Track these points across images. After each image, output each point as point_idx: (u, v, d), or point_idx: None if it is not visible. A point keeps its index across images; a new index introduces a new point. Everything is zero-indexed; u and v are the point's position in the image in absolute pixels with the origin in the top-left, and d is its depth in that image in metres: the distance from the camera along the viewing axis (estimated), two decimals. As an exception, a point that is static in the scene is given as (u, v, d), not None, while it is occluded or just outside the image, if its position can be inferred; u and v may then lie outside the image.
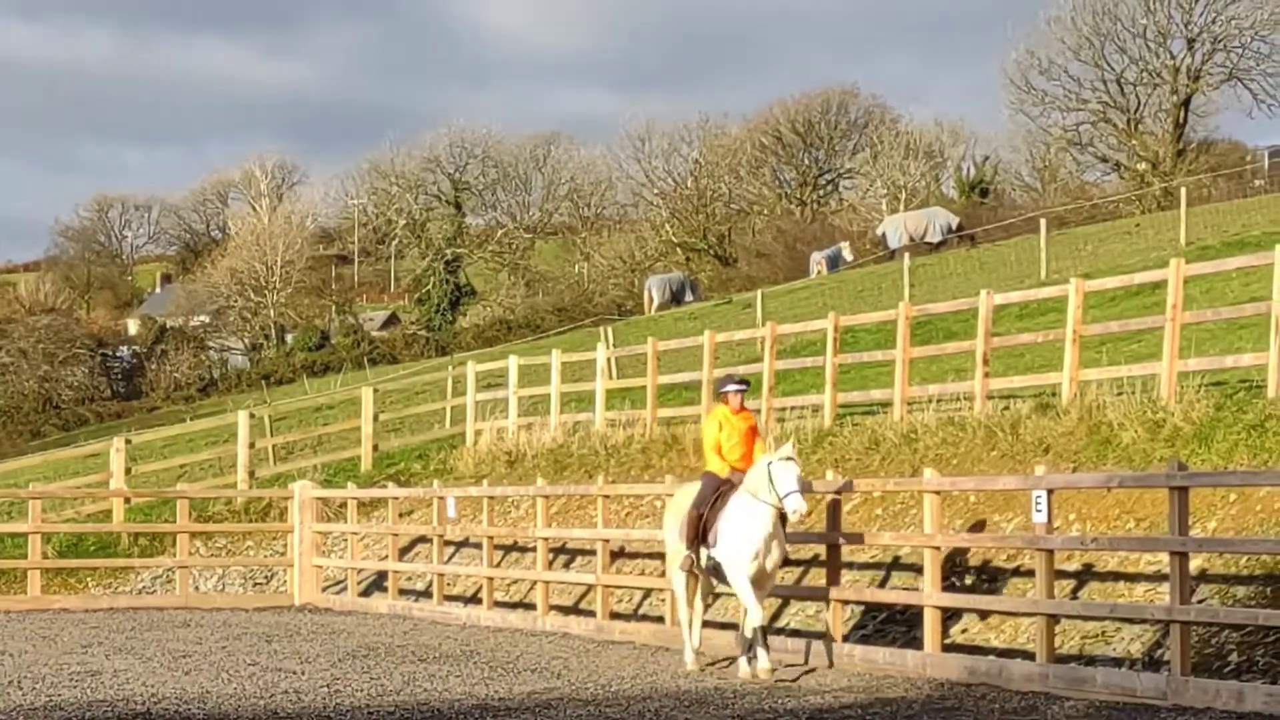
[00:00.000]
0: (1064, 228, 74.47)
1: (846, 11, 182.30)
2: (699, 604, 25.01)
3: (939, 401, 31.13)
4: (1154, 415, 25.43)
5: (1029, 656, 22.00)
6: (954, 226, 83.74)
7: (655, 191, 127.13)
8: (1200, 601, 21.23)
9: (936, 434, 29.02)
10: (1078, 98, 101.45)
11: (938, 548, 23.86)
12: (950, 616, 24.35)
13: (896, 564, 26.88)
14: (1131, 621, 21.89)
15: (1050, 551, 21.83)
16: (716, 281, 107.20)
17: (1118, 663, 21.58)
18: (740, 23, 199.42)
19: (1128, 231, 69.98)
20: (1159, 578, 21.75)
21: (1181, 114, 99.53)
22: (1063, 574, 23.33)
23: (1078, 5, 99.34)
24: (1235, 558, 21.71)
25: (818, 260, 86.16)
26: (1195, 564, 21.42)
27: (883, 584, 26.74)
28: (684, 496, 24.73)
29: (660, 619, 29.08)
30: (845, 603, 25.78)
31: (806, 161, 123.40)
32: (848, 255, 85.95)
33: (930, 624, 23.50)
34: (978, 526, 25.84)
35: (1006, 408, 28.87)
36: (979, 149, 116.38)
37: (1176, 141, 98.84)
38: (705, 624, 25.20)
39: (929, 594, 23.67)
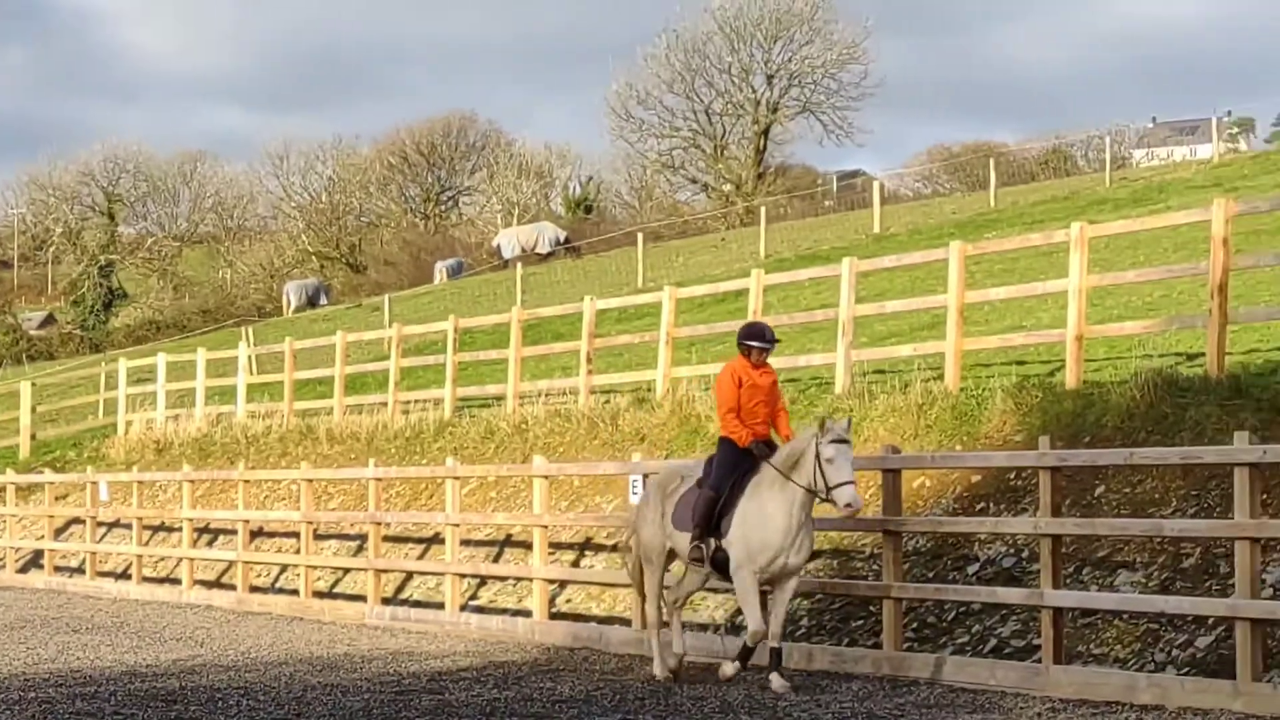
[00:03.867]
0: (659, 241, 75.21)
1: (464, 44, 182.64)
2: (679, 601, 18.99)
3: (548, 395, 31.32)
4: (736, 408, 25.76)
5: (626, 623, 22.18)
6: (561, 239, 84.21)
7: (293, 205, 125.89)
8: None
9: (545, 425, 29.13)
10: (671, 126, 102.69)
11: (545, 526, 23.97)
12: (557, 588, 24.47)
13: (509, 541, 26.94)
14: (717, 591, 22.18)
15: (645, 529, 22.02)
16: (348, 287, 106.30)
17: (704, 628, 21.83)
18: (372, 52, 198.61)
19: (715, 245, 70.94)
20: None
21: (762, 141, 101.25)
22: (656, 549, 23.54)
23: (671, 43, 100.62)
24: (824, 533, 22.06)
25: (441, 268, 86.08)
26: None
27: (497, 559, 26.78)
28: (660, 480, 18.83)
29: (295, 592, 28.95)
30: (463, 576, 25.85)
31: (430, 179, 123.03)
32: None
33: (539, 595, 23.60)
34: (582, 509, 25.98)
35: (608, 401, 29.09)
36: (584, 170, 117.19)
37: (757, 166, 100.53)
38: (483, 609, 24.93)
39: (537, 568, 23.77)
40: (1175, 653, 16.34)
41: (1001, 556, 19.40)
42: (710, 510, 17.36)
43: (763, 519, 17.04)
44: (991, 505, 20.20)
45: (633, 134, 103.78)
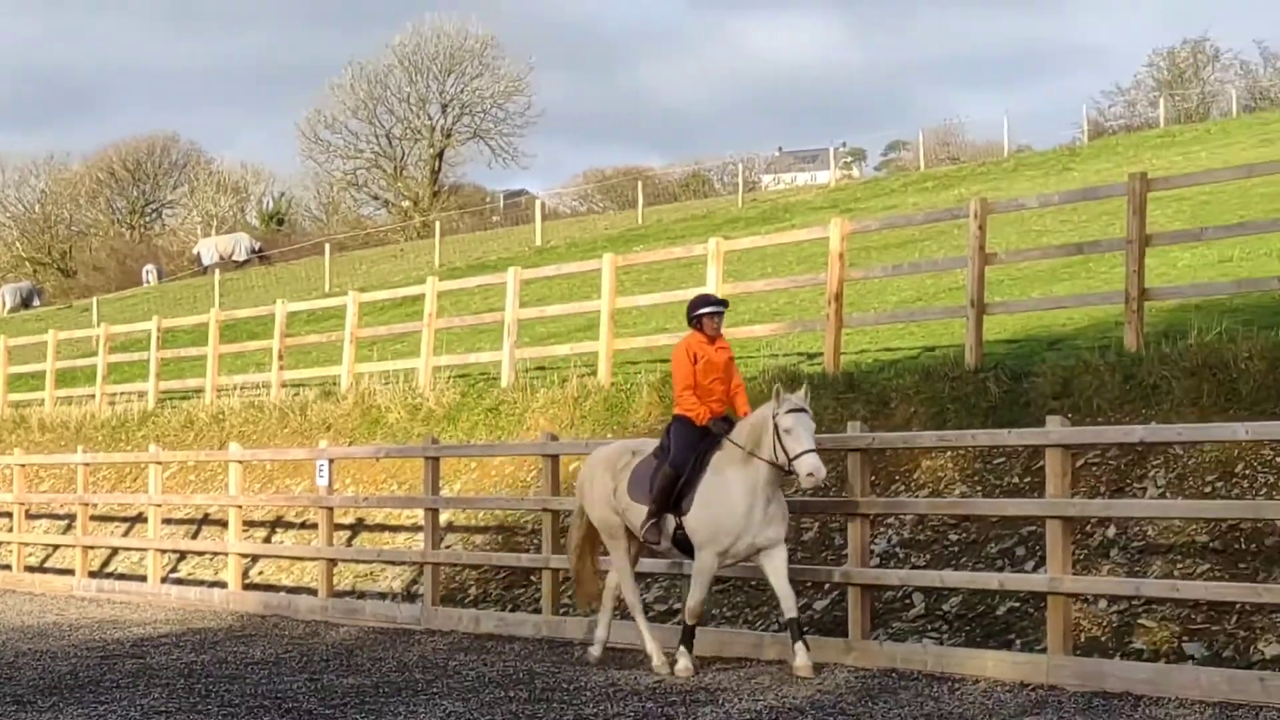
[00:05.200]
0: (345, 251, 74.41)
1: (174, 68, 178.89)
2: (619, 582, 16.21)
3: (243, 389, 30.88)
4: (414, 400, 25.66)
5: (313, 593, 21.93)
6: (256, 249, 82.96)
7: (7, 214, 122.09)
8: (448, 547, 21.56)
9: (241, 415, 28.69)
10: (355, 148, 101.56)
11: (240, 506, 23.64)
12: (250, 562, 24.13)
13: (207, 520, 26.48)
14: (394, 564, 22.06)
15: (330, 509, 21.84)
16: (60, 290, 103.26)
17: (383, 596, 21.70)
18: (87, 75, 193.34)
19: (394, 255, 70.49)
20: (416, 529, 21.94)
21: (437, 163, 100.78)
22: (341, 526, 23.35)
23: (355, 73, 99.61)
24: (475, 512, 22.08)
25: (149, 270, 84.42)
26: (444, 518, 21.71)
27: (195, 536, 26.30)
28: (607, 456, 16.17)
29: (8, 567, 28.10)
30: (164, 551, 25.37)
31: (135, 193, 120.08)
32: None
33: (234, 568, 23.26)
34: (276, 491, 25.66)
35: (297, 394, 28.77)
36: (277, 186, 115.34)
37: (433, 185, 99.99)
38: (183, 581, 24.21)
39: (232, 544, 23.44)
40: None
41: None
42: (670, 487, 15.01)
43: (726, 499, 14.76)
44: (638, 486, 20.33)
45: (321, 155, 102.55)
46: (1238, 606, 13.35)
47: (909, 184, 57.92)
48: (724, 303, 15.64)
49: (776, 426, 14.49)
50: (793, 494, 16.09)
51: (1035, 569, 15.01)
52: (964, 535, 16.34)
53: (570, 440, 20.73)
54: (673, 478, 14.99)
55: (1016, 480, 16.39)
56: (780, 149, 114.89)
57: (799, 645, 14.43)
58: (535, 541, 20.17)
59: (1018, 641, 14.60)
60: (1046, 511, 13.84)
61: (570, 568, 16.65)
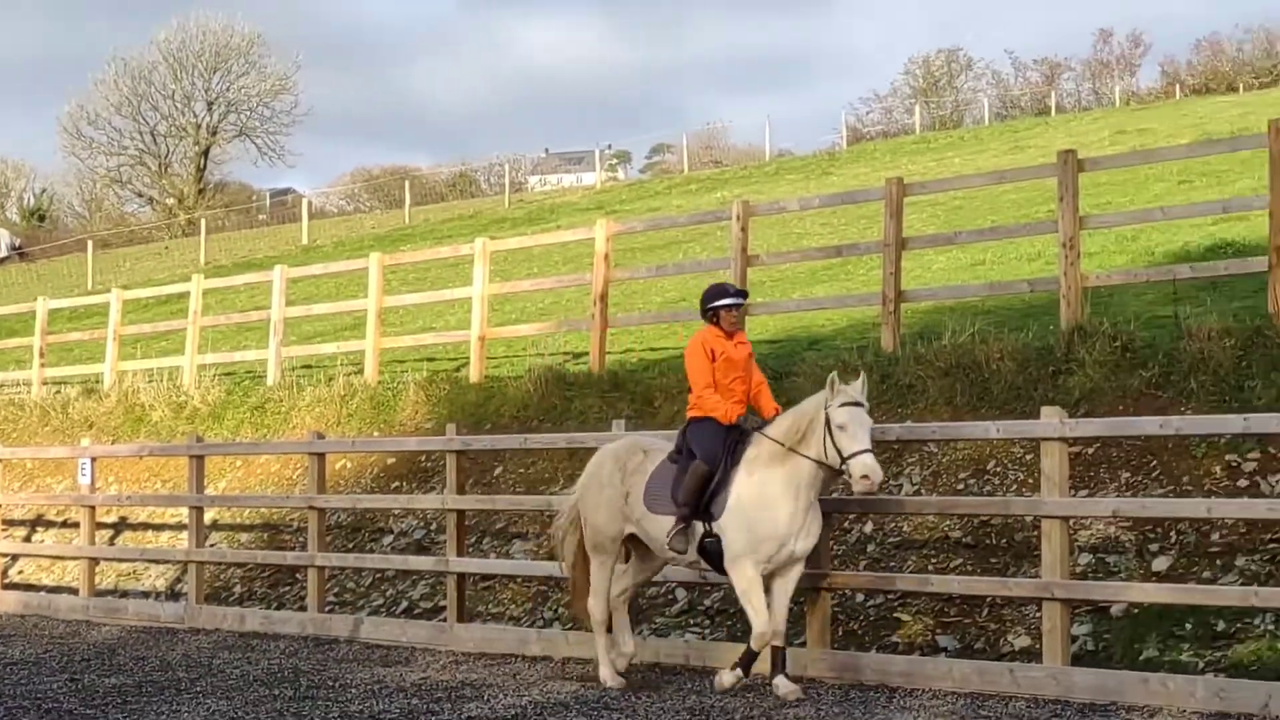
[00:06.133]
0: (108, 249, 72.94)
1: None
2: (624, 593, 14.00)
3: (2, 386, 30.10)
4: (178, 398, 25.24)
5: (74, 592, 21.43)
6: (16, 245, 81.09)
7: None
8: (213, 545, 21.21)
9: (0, 413, 27.96)
10: (119, 145, 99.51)
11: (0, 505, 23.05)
12: (10, 560, 23.49)
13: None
14: (158, 562, 21.66)
15: (93, 507, 21.37)
16: None
17: (147, 595, 21.30)
18: None
19: (159, 253, 69.21)
20: (181, 527, 21.54)
21: (203, 161, 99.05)
22: (103, 525, 22.87)
23: (119, 69, 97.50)
24: (241, 510, 21.78)
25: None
26: (210, 516, 21.36)
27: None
28: (617, 453, 13.72)
29: None
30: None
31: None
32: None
33: (-8, 568, 22.67)
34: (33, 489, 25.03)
35: (58, 391, 28.13)
36: (38, 182, 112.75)
37: (199, 182, 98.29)
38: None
39: (-9, 544, 22.84)
40: (562, 611, 16.63)
41: (413, 529, 19.45)
42: (703, 486, 12.85)
43: (765, 501, 12.67)
44: (405, 484, 20.23)
45: (84, 151, 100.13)
46: (988, 600, 13.63)
47: (673, 186, 58.33)
48: (744, 293, 13.55)
49: (829, 420, 12.53)
50: (553, 490, 16.05)
51: (795, 564, 15.15)
52: (726, 531, 16.45)
53: (336, 439, 20.54)
54: (706, 475, 12.86)
55: (777, 477, 16.55)
56: (547, 150, 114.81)
57: (780, 678, 12.76)
58: (301, 539, 19.93)
59: (778, 635, 14.72)
60: (806, 508, 13.95)
61: (568, 577, 14.28)
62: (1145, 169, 30.49)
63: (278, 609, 19.19)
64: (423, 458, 20.32)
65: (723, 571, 12.93)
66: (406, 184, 69.71)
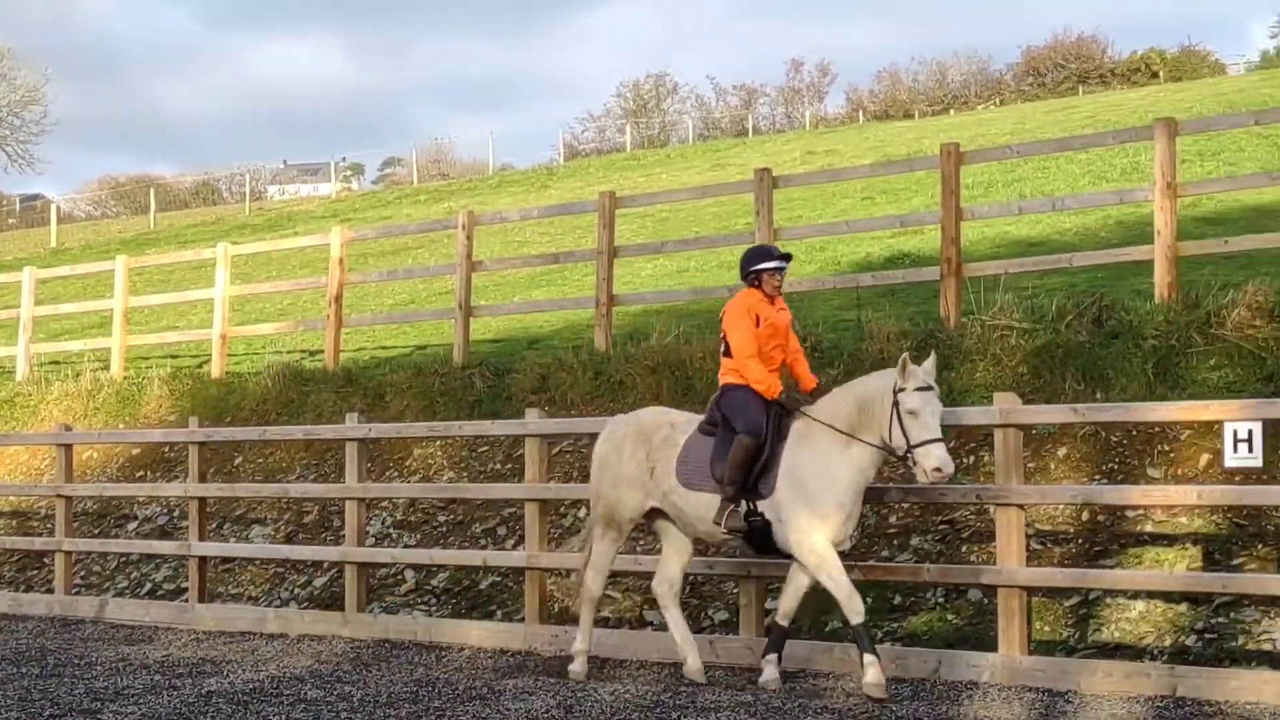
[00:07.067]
0: None
1: None
2: (673, 582, 12.05)
3: None
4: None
5: None
6: None
7: None
8: (-38, 532, 20.50)
9: None
10: None
11: None
12: None
13: None
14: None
15: None
16: None
17: None
18: None
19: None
20: (-70, 515, 20.78)
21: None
22: None
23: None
24: (5, 498, 21.11)
25: None
26: (-42, 504, 20.65)
27: None
28: (641, 426, 11.82)
29: None
30: None
31: None
32: None
33: None
34: None
35: None
36: None
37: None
38: None
39: None
40: (298, 591, 16.45)
41: (158, 515, 19.06)
42: (751, 463, 11.00)
43: (826, 472, 10.85)
44: (149, 473, 19.81)
45: None
46: (691, 578, 13.81)
47: (404, 197, 57.92)
48: (788, 256, 11.60)
49: (898, 405, 10.64)
50: (290, 479, 15.84)
51: (515, 546, 15.20)
52: (452, 517, 16.44)
53: (84, 431, 20.01)
54: (753, 449, 11.01)
55: (499, 466, 16.58)
56: (285, 162, 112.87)
57: (772, 661, 11.39)
58: (49, 526, 19.38)
59: (499, 613, 14.75)
60: (526, 495, 14.01)
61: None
62: (832, 186, 31.15)
63: (26, 591, 18.61)
64: (167, 448, 19.91)
65: (764, 551, 11.34)
66: (152, 191, 68.15)
